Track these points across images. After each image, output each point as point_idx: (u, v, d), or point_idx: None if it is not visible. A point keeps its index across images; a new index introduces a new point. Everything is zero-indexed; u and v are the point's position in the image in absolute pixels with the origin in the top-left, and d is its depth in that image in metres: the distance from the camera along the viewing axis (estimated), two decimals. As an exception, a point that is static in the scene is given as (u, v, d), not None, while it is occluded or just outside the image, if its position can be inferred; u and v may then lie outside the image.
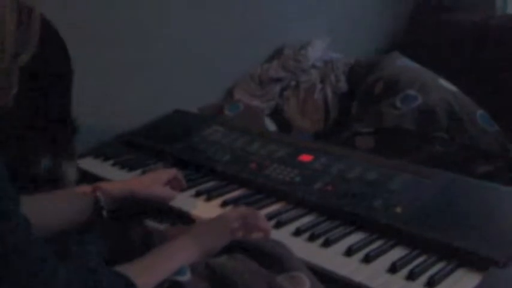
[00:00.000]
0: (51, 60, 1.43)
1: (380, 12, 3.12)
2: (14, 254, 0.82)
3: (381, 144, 2.20)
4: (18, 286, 0.83)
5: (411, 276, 1.17)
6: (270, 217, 1.42)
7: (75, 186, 1.54)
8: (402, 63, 2.47)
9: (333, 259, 1.25)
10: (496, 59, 2.60)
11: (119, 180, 1.55)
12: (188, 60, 2.29)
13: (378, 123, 2.23)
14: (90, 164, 1.81)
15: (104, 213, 1.34)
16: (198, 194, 1.57)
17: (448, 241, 1.25)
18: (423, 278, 1.16)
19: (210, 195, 1.56)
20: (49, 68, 1.40)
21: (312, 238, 1.33)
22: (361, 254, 1.25)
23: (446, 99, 2.21)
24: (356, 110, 2.40)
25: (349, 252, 1.26)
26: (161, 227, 1.36)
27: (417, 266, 1.20)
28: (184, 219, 1.46)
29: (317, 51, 2.69)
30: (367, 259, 1.23)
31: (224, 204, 1.52)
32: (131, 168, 1.76)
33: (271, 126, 2.41)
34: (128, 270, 1.01)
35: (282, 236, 1.33)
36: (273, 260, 1.14)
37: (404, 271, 1.19)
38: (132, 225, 1.34)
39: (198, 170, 1.72)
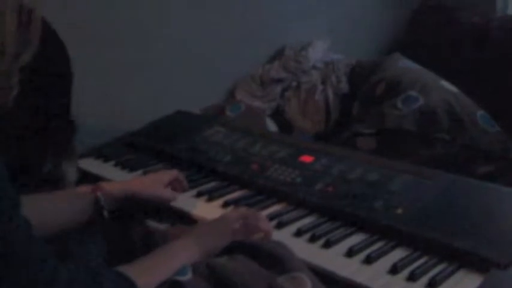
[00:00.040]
0: (51, 61, 1.43)
1: (380, 13, 3.12)
2: (14, 255, 0.82)
3: (382, 145, 2.20)
4: (18, 286, 0.83)
5: (412, 278, 1.16)
6: (271, 218, 1.42)
7: (75, 187, 1.54)
8: (404, 65, 2.47)
9: (334, 260, 1.25)
10: (496, 59, 2.60)
11: (120, 181, 1.55)
12: (188, 60, 2.29)
13: (380, 124, 2.23)
14: (91, 165, 1.81)
15: (105, 213, 1.34)
16: (199, 195, 1.57)
17: (449, 242, 1.25)
18: (424, 279, 1.16)
19: (211, 195, 1.56)
20: (49, 69, 1.40)
21: (313, 239, 1.32)
22: (362, 255, 1.25)
23: (447, 100, 2.21)
24: (357, 111, 2.41)
25: (350, 253, 1.26)
26: (162, 227, 1.36)
27: (418, 267, 1.20)
28: (185, 219, 1.46)
29: (318, 52, 2.69)
30: (368, 260, 1.23)
31: (225, 204, 1.52)
32: (132, 168, 1.76)
33: (272, 127, 2.41)
34: (129, 270, 1.01)
35: (283, 236, 1.33)
36: (274, 260, 1.14)
37: (405, 272, 1.18)
38: (133, 226, 1.34)
39: (200, 171, 1.72)
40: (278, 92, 2.57)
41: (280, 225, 1.39)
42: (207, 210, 1.50)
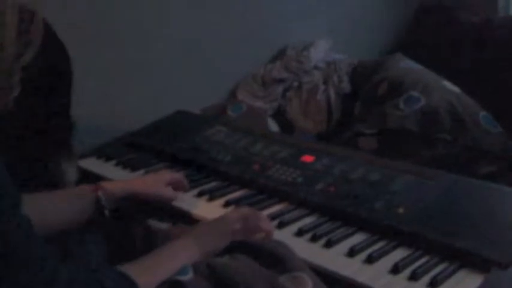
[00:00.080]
0: (51, 61, 1.43)
1: (381, 13, 3.12)
2: (14, 254, 0.82)
3: (384, 146, 2.20)
4: (18, 286, 0.83)
5: (413, 277, 1.16)
6: (272, 217, 1.42)
7: (76, 186, 1.54)
8: (406, 65, 2.47)
9: (335, 260, 1.25)
10: (498, 59, 2.60)
11: (121, 180, 1.55)
12: (188, 60, 2.29)
13: (381, 124, 2.23)
14: (92, 164, 1.81)
15: (106, 212, 1.34)
16: (200, 194, 1.57)
17: (451, 242, 1.25)
18: (425, 279, 1.16)
19: (212, 195, 1.56)
20: (49, 69, 1.40)
21: (314, 239, 1.32)
22: (363, 255, 1.25)
23: (449, 100, 2.21)
24: (359, 111, 2.40)
25: (352, 252, 1.26)
26: (163, 226, 1.36)
27: (420, 266, 1.20)
28: (186, 219, 1.46)
29: (319, 52, 2.69)
30: (370, 260, 1.23)
31: (226, 204, 1.52)
32: (134, 168, 1.76)
33: (273, 127, 2.41)
34: (130, 269, 1.01)
35: (284, 236, 1.32)
36: (275, 260, 1.14)
37: (407, 272, 1.18)
38: (133, 225, 1.33)
39: (201, 170, 1.72)
40: (280, 92, 2.57)
41: (281, 225, 1.39)
42: (208, 209, 1.50)
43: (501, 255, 1.19)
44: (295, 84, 2.60)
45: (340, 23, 2.91)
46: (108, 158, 1.83)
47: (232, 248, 1.20)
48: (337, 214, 1.43)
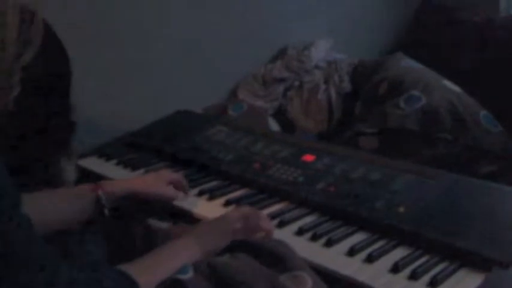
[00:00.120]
0: (51, 62, 1.43)
1: (381, 13, 3.12)
2: (14, 255, 0.82)
3: (385, 145, 2.20)
4: (18, 286, 0.83)
5: (414, 276, 1.16)
6: (272, 216, 1.42)
7: (75, 185, 1.54)
8: (406, 64, 2.47)
9: (335, 259, 1.25)
10: (499, 59, 2.60)
11: (121, 179, 1.55)
12: (188, 60, 2.29)
13: (382, 123, 2.23)
14: (93, 163, 1.81)
15: (106, 211, 1.34)
16: (200, 193, 1.57)
17: (451, 241, 1.25)
18: (426, 278, 1.16)
19: (212, 194, 1.56)
20: (49, 69, 1.40)
21: (314, 238, 1.32)
22: (363, 254, 1.25)
23: (450, 99, 2.21)
24: (360, 110, 2.40)
25: (352, 252, 1.26)
26: (163, 225, 1.36)
27: (420, 266, 1.20)
28: (186, 218, 1.46)
29: (320, 51, 2.70)
30: (370, 259, 1.23)
31: (227, 203, 1.52)
32: (134, 167, 1.76)
33: (274, 126, 2.41)
34: (130, 269, 1.01)
35: (285, 235, 1.32)
36: (276, 259, 1.14)
37: (407, 271, 1.18)
38: (134, 224, 1.34)
39: (201, 170, 1.72)
40: (280, 91, 2.57)
41: (281, 224, 1.39)
42: (208, 209, 1.50)
43: (502, 254, 1.19)
44: (296, 83, 2.60)
45: (340, 23, 2.91)
46: (108, 158, 1.84)
47: (233, 247, 1.20)
48: (338, 213, 1.43)
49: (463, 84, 2.32)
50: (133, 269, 1.01)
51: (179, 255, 1.13)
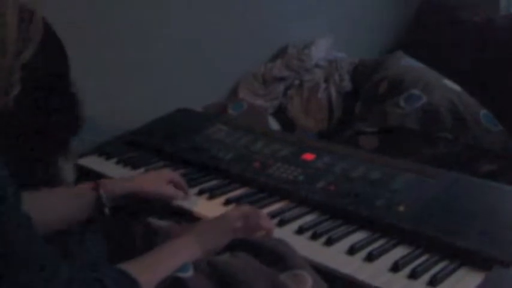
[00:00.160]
0: (50, 60, 1.43)
1: (381, 13, 3.12)
2: (14, 254, 0.81)
3: (385, 144, 2.20)
4: (18, 286, 0.82)
5: (414, 275, 1.16)
6: (272, 215, 1.42)
7: (74, 184, 1.54)
8: (406, 63, 2.47)
9: (335, 257, 1.25)
10: (500, 58, 2.59)
11: (121, 178, 1.55)
12: (188, 60, 2.29)
13: (382, 122, 2.23)
14: (93, 162, 1.81)
15: (106, 211, 1.33)
16: (200, 192, 1.57)
17: (451, 240, 1.25)
18: (425, 277, 1.16)
19: (212, 193, 1.56)
20: (48, 68, 1.40)
21: (314, 236, 1.32)
22: (363, 253, 1.25)
23: (450, 99, 2.21)
24: (360, 109, 2.40)
25: (352, 250, 1.26)
26: (164, 224, 1.35)
27: (419, 264, 1.20)
28: (186, 217, 1.46)
29: (321, 50, 2.69)
30: (370, 258, 1.23)
31: (227, 202, 1.52)
32: (134, 166, 1.76)
33: (274, 125, 2.41)
34: (130, 267, 1.01)
35: (285, 234, 1.33)
36: (276, 258, 1.14)
37: (407, 270, 1.18)
38: (134, 223, 1.34)
39: (201, 169, 1.72)
40: (281, 90, 2.57)
41: (281, 223, 1.39)
42: (208, 208, 1.50)
43: (502, 253, 1.19)
44: (296, 82, 2.60)
45: (340, 23, 2.91)
46: (108, 156, 1.84)
47: (233, 246, 1.20)
48: (338, 212, 1.43)
49: (463, 84, 2.32)
50: (133, 268, 1.01)
51: (179, 253, 1.13)
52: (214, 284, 1.08)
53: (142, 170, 1.74)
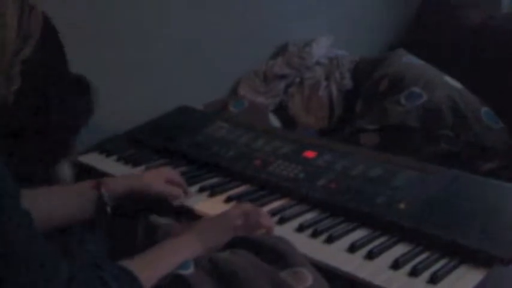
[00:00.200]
0: (50, 56, 1.43)
1: (381, 13, 3.11)
2: (14, 254, 0.81)
3: (386, 142, 2.20)
4: (18, 286, 0.82)
5: (414, 273, 1.16)
6: (273, 213, 1.42)
7: (74, 182, 1.54)
8: (407, 60, 2.47)
9: (336, 255, 1.25)
10: (501, 56, 2.59)
11: (121, 176, 1.54)
12: (189, 60, 2.29)
13: (383, 120, 2.23)
14: (94, 159, 1.81)
15: (108, 209, 1.33)
16: (201, 190, 1.58)
17: (452, 238, 1.25)
18: (426, 274, 1.16)
19: (213, 191, 1.56)
20: (48, 64, 1.40)
21: (315, 234, 1.33)
22: (364, 251, 1.25)
23: (451, 96, 2.21)
24: (360, 107, 2.40)
25: (352, 248, 1.26)
26: (165, 222, 1.36)
27: (420, 262, 1.20)
28: (187, 214, 1.46)
29: (321, 48, 2.69)
30: (370, 255, 1.23)
31: (228, 200, 1.52)
32: (135, 164, 1.76)
33: (275, 122, 2.41)
34: (131, 264, 1.01)
35: (285, 232, 1.33)
36: (276, 255, 1.14)
37: (407, 267, 1.19)
38: (135, 221, 1.34)
39: (202, 166, 1.72)
40: (281, 88, 2.57)
41: (282, 221, 1.39)
42: (209, 205, 1.50)
43: (503, 251, 1.20)
44: (297, 80, 2.60)
45: (340, 22, 2.91)
46: (109, 154, 1.84)
47: (234, 244, 1.20)
48: (339, 210, 1.43)
49: (464, 83, 2.31)
50: (134, 265, 1.01)
51: (180, 251, 1.13)
52: (215, 281, 1.08)
53: (143, 167, 1.74)
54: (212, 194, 1.55)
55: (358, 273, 1.18)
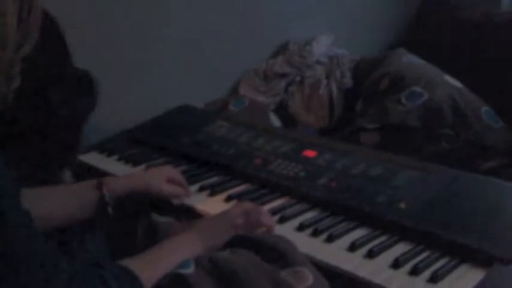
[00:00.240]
0: (50, 54, 1.42)
1: (381, 13, 3.11)
2: (14, 254, 0.81)
3: (386, 140, 2.20)
4: (18, 286, 0.82)
5: (414, 272, 1.16)
6: (273, 212, 1.42)
7: (75, 181, 1.54)
8: (408, 60, 2.47)
9: (336, 254, 1.25)
10: (501, 56, 2.59)
11: (122, 176, 1.54)
12: (189, 60, 2.30)
13: (383, 119, 2.23)
14: (94, 159, 1.81)
15: (110, 209, 1.33)
16: (202, 189, 1.57)
17: (452, 237, 1.25)
18: (426, 274, 1.16)
19: (214, 190, 1.56)
20: (48, 62, 1.40)
21: (315, 233, 1.32)
22: (364, 250, 1.25)
23: (452, 95, 2.21)
24: (361, 106, 2.40)
25: (353, 247, 1.26)
26: (165, 221, 1.35)
27: (420, 261, 1.20)
28: (188, 213, 1.46)
29: (322, 46, 2.69)
30: (371, 254, 1.23)
31: (228, 199, 1.52)
32: (135, 163, 1.76)
33: (276, 121, 2.41)
34: (132, 264, 1.01)
35: (286, 231, 1.33)
36: (277, 254, 1.14)
37: (408, 266, 1.19)
38: (135, 220, 1.33)
39: (202, 165, 1.72)
40: (282, 86, 2.57)
41: (282, 220, 1.39)
42: (209, 204, 1.50)
43: (503, 251, 1.19)
44: (298, 78, 2.60)
45: (340, 22, 2.91)
46: (110, 153, 1.84)
47: (234, 243, 1.20)
48: (339, 209, 1.43)
49: (464, 82, 2.31)
50: (134, 264, 1.01)
51: (180, 250, 1.13)
52: (215, 281, 1.08)
53: (143, 166, 1.74)
54: (212, 193, 1.55)
55: (358, 272, 1.18)
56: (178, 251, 1.12)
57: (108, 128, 1.98)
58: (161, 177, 1.47)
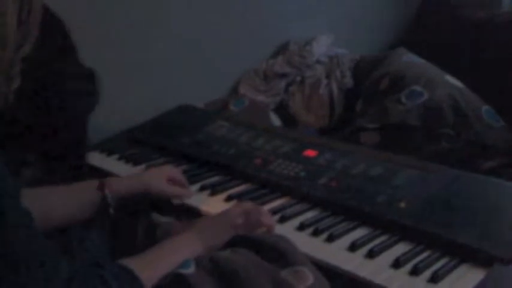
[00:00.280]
0: (50, 53, 1.42)
1: (381, 13, 3.11)
2: (14, 254, 0.81)
3: (387, 140, 2.20)
4: (18, 286, 0.82)
5: (415, 272, 1.16)
6: (274, 212, 1.42)
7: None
8: (408, 59, 2.47)
9: (336, 254, 1.25)
10: (501, 55, 2.59)
11: (126, 176, 1.54)
12: (189, 60, 2.29)
13: (383, 119, 2.23)
14: (95, 158, 1.81)
15: (111, 210, 1.33)
16: (202, 189, 1.58)
17: (453, 237, 1.25)
18: (427, 273, 1.16)
19: (214, 189, 1.56)
20: (48, 62, 1.40)
21: (315, 233, 1.32)
22: (364, 249, 1.25)
23: (452, 95, 2.21)
24: (361, 105, 2.40)
25: (353, 247, 1.26)
26: (165, 221, 1.35)
27: (421, 261, 1.20)
28: (188, 213, 1.46)
29: (322, 46, 2.69)
30: (371, 254, 1.23)
31: (228, 198, 1.52)
32: (136, 162, 1.76)
33: (276, 121, 2.41)
34: (132, 263, 1.01)
35: (286, 230, 1.33)
36: (277, 254, 1.14)
37: (408, 266, 1.19)
38: (136, 220, 1.33)
39: (203, 165, 1.72)
40: (282, 86, 2.57)
41: (283, 219, 1.39)
42: (210, 204, 1.50)
43: (504, 250, 1.19)
44: (298, 78, 2.59)
45: (340, 22, 2.91)
46: (110, 153, 1.84)
47: (234, 243, 1.20)
48: (339, 209, 1.43)
49: (464, 82, 2.31)
50: (134, 264, 1.01)
51: (181, 250, 1.13)
52: (216, 281, 1.08)
53: (143, 166, 1.74)
54: (213, 193, 1.55)
55: (358, 272, 1.18)
56: (178, 251, 1.12)
57: (108, 128, 1.98)
58: (161, 177, 1.47)
